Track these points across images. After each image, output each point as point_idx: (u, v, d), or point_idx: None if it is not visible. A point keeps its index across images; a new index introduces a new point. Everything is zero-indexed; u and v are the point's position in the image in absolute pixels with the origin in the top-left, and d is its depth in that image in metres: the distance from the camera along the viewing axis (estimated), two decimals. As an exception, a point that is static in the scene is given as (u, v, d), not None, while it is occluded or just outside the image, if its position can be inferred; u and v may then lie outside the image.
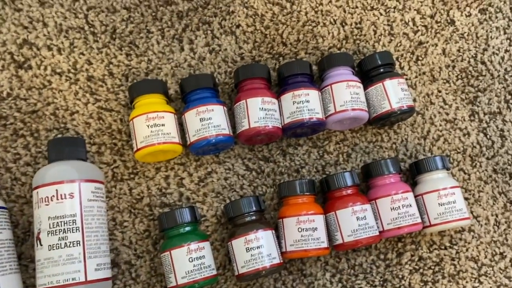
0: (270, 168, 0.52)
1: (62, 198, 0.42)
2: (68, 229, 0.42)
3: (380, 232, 0.48)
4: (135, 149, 0.47)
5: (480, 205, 0.54)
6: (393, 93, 0.52)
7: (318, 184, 0.51)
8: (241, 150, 0.53)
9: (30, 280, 0.46)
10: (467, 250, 0.52)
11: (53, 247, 0.41)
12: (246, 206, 0.47)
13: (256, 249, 0.45)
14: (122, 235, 0.49)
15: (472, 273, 0.52)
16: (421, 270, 0.51)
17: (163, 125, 0.47)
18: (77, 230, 0.42)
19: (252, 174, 0.52)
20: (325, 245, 0.47)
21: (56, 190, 0.42)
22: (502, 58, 0.60)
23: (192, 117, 0.48)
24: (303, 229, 0.46)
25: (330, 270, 0.50)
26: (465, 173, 0.55)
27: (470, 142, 0.56)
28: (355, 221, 0.47)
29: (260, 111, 0.49)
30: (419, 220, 0.49)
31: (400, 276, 0.51)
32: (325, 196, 0.50)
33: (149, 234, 0.49)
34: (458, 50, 0.59)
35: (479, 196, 0.54)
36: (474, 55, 0.59)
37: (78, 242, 0.42)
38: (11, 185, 0.48)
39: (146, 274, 0.48)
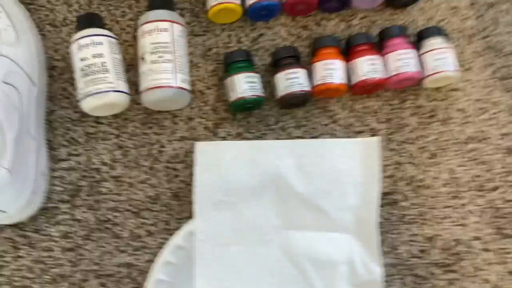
0: (307, 34, 0.69)
1: (160, 31, 0.61)
2: (164, 51, 0.60)
3: (387, 78, 0.65)
4: (208, 7, 0.65)
5: (472, 71, 0.69)
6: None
7: (344, 44, 0.68)
8: (286, 19, 0.69)
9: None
10: (457, 103, 0.68)
11: (153, 62, 0.60)
12: (286, 51, 0.64)
13: (294, 79, 0.62)
14: (197, 72, 0.67)
15: (459, 119, 0.67)
16: (419, 114, 0.67)
17: (228, -11, 0.64)
18: (170, 53, 0.60)
19: (293, 37, 0.69)
20: (344, 81, 0.63)
21: (157, 25, 0.61)
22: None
23: (250, -14, 0.65)
24: (328, 69, 0.63)
25: (348, 109, 0.67)
26: (461, 48, 0.70)
27: (468, 25, 0.71)
28: (368, 65, 0.63)
29: (301, -15, 0.65)
30: (419, 69, 0.64)
31: (402, 117, 0.67)
32: (348, 51, 0.66)
33: (216, 73, 0.67)
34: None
35: (471, 66, 0.69)
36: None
37: (170, 60, 0.60)
38: (120, 33, 0.67)
39: (214, 99, 0.66)
